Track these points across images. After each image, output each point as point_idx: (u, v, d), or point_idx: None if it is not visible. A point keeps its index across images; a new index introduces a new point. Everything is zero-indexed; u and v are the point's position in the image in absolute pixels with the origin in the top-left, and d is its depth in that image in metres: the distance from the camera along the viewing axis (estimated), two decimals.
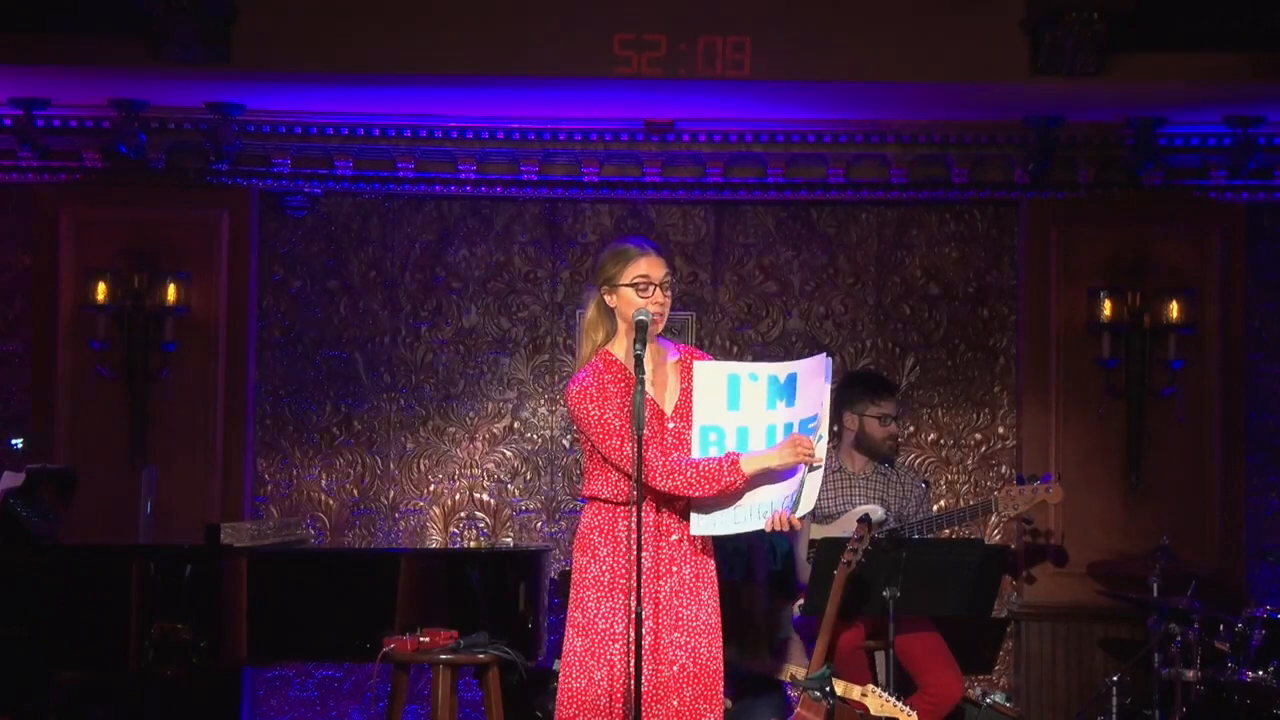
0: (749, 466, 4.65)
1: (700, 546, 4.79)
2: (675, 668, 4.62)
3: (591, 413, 4.71)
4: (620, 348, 4.83)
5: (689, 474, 4.64)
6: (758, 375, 4.77)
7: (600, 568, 4.70)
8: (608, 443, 4.69)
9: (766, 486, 4.73)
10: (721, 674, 4.75)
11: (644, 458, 4.60)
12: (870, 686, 5.95)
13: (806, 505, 4.71)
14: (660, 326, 4.79)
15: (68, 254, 8.11)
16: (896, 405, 7.19)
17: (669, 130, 7.99)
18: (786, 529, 4.68)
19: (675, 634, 4.64)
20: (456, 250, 8.40)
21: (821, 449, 4.70)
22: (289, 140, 8.04)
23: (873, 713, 5.87)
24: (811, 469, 4.68)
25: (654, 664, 4.60)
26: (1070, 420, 8.16)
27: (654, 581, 4.65)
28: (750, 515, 4.71)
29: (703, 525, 4.73)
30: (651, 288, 4.74)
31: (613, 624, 4.65)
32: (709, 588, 4.76)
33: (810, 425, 4.70)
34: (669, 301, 4.80)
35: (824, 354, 4.77)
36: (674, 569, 4.68)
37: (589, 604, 4.70)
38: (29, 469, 6.94)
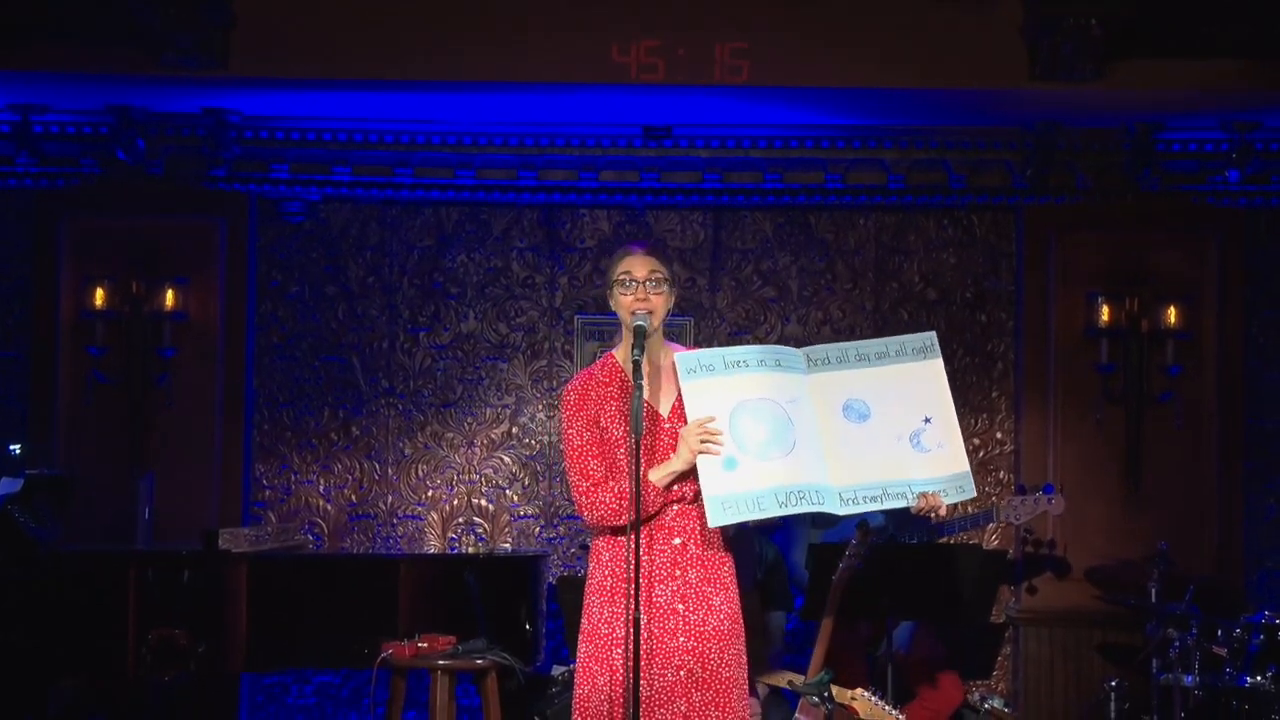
0: (656, 476, 4.61)
1: (711, 550, 4.71)
2: (682, 673, 4.60)
3: (565, 423, 4.72)
4: (621, 351, 4.81)
5: (606, 499, 4.61)
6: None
7: (604, 573, 4.68)
8: (568, 461, 4.70)
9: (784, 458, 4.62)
10: (741, 680, 4.68)
11: (576, 492, 4.65)
12: (860, 690, 5.94)
13: (735, 511, 4.53)
14: (654, 325, 4.72)
15: (66, 260, 8.11)
16: None
17: (667, 136, 7.99)
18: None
19: (680, 638, 4.62)
20: (455, 256, 8.39)
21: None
22: (287, 146, 8.04)
23: (861, 716, 5.86)
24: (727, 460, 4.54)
25: (657, 668, 4.58)
26: (1068, 426, 8.15)
27: (652, 586, 4.63)
28: (775, 499, 4.55)
29: (719, 514, 4.53)
30: (634, 284, 4.71)
31: (614, 629, 4.62)
32: (722, 592, 4.67)
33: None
34: (661, 300, 4.71)
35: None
36: (676, 573, 4.64)
37: (594, 611, 4.69)
38: (26, 475, 6.93)
